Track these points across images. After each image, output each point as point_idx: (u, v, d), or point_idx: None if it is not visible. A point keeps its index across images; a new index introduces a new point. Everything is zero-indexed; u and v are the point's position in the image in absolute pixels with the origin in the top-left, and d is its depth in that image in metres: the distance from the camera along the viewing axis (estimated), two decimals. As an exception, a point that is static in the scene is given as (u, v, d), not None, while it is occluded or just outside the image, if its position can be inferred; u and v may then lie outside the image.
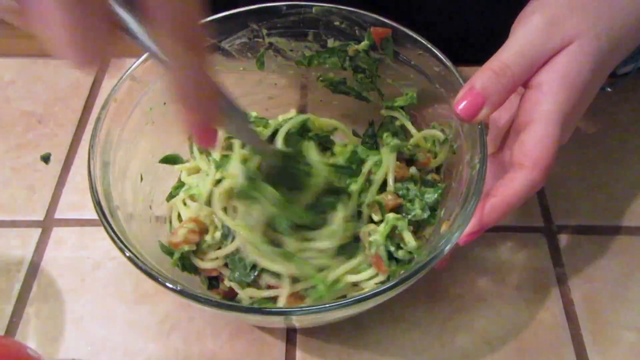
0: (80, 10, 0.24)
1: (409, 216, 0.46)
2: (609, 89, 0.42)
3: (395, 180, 0.47)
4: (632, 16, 0.40)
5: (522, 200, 0.39)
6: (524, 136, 0.39)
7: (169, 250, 0.45)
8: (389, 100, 0.52)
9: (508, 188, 0.39)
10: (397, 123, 0.52)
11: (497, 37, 0.42)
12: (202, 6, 0.28)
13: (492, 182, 0.41)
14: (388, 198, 0.46)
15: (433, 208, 0.47)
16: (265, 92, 0.55)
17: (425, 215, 0.46)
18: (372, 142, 0.54)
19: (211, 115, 0.31)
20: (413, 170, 0.49)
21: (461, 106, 0.40)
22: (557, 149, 0.39)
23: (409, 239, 0.44)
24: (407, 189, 0.47)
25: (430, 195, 0.47)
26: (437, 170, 0.51)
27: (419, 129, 0.51)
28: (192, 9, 0.27)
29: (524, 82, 0.40)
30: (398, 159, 0.48)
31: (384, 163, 0.47)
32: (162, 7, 0.26)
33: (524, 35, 0.39)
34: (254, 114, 0.54)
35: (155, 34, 0.27)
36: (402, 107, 0.52)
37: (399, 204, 0.46)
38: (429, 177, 0.50)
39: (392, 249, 0.45)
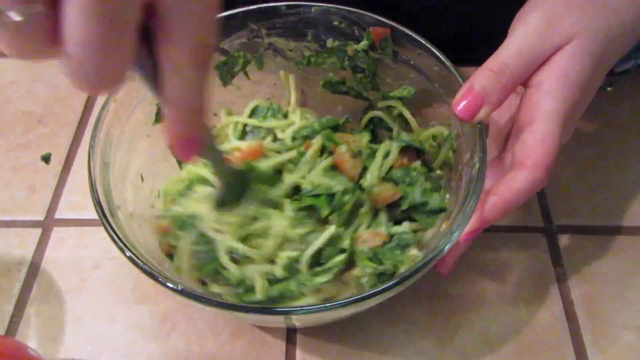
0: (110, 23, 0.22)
1: (407, 201, 0.46)
2: (608, 89, 0.42)
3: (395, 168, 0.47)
4: (629, 14, 0.40)
5: (522, 200, 0.39)
6: (525, 136, 0.39)
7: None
8: (385, 92, 0.52)
9: (509, 187, 0.39)
10: (395, 112, 0.52)
11: (496, 36, 0.42)
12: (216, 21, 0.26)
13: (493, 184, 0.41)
14: (385, 190, 0.45)
15: (436, 211, 0.46)
16: (265, 92, 0.55)
17: (422, 200, 0.46)
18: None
19: (198, 128, 0.31)
20: (417, 164, 0.48)
21: (460, 106, 0.40)
22: (558, 149, 0.39)
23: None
24: (410, 176, 0.47)
25: (435, 200, 0.46)
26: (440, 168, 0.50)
27: (423, 129, 0.51)
28: (208, 25, 0.26)
29: (523, 81, 0.40)
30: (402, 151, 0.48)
31: (391, 152, 0.47)
32: (180, 23, 0.24)
33: (522, 34, 0.39)
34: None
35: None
36: (399, 99, 0.51)
37: (396, 197, 0.46)
38: (436, 173, 0.49)
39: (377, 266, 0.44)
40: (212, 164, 0.40)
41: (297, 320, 0.43)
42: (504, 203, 0.39)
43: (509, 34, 0.41)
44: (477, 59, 0.42)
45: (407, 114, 0.51)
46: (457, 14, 0.66)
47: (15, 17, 0.18)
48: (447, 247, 0.38)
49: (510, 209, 0.40)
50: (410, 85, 0.50)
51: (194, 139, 0.31)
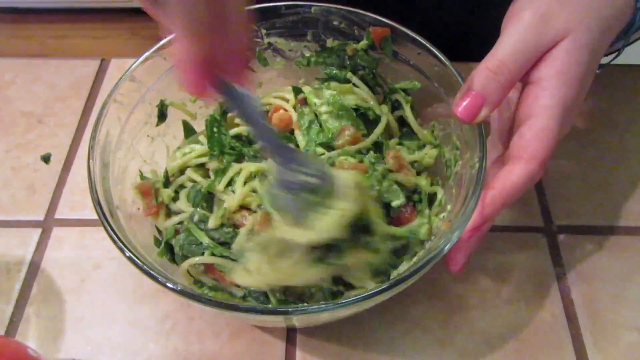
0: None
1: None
2: (597, 71, 0.43)
3: None
4: (618, 2, 0.40)
5: (520, 193, 0.40)
6: (523, 130, 0.40)
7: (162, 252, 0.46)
8: (391, 84, 0.51)
9: (506, 180, 0.39)
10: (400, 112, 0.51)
11: (495, 33, 0.42)
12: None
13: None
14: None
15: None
16: (265, 92, 0.55)
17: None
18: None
19: (208, 47, 0.31)
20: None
21: (461, 108, 0.40)
22: (556, 143, 0.39)
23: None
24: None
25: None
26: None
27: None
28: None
29: (521, 78, 0.40)
30: None
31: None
32: None
33: (518, 31, 0.39)
34: None
35: None
36: (404, 90, 0.51)
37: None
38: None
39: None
40: (243, 117, 0.36)
41: (297, 321, 0.43)
42: (502, 197, 0.39)
43: (502, 31, 0.41)
44: (477, 56, 0.42)
45: (408, 113, 0.50)
46: (455, 11, 0.66)
47: None
48: (447, 247, 0.38)
49: (508, 202, 0.40)
50: (411, 85, 0.50)
51: (204, 63, 0.31)
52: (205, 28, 0.30)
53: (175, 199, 0.48)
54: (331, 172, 0.39)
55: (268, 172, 0.39)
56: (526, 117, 0.40)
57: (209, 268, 0.45)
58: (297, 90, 0.51)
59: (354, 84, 0.51)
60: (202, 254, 0.44)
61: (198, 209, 0.46)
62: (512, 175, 0.39)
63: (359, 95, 0.50)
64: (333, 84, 0.51)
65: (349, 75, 0.51)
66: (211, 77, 0.32)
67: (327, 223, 0.37)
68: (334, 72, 0.52)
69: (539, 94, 0.39)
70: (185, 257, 0.45)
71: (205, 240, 0.44)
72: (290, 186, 0.37)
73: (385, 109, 0.50)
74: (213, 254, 0.44)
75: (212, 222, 0.45)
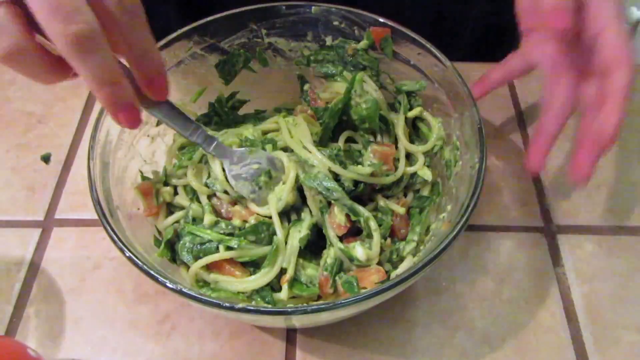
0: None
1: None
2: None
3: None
4: None
5: (627, 96, 0.42)
6: (605, 39, 0.41)
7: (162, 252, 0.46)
8: (398, 83, 0.51)
9: (614, 91, 0.41)
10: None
11: (494, 33, 0.42)
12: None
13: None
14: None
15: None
16: (264, 91, 0.55)
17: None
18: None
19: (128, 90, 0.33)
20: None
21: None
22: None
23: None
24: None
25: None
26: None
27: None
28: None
29: None
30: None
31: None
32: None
33: None
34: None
35: None
36: (409, 94, 0.51)
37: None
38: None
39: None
40: (175, 128, 0.43)
41: (297, 321, 0.43)
42: (620, 105, 0.41)
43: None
44: (471, 56, 0.42)
45: (400, 125, 0.50)
46: (455, 10, 0.66)
47: None
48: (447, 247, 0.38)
49: (623, 107, 0.42)
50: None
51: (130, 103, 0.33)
52: (117, 74, 0.33)
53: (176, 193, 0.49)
54: (269, 156, 0.47)
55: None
56: (596, 32, 0.41)
57: (214, 264, 0.45)
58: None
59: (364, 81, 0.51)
60: (216, 249, 0.45)
61: (192, 205, 0.47)
62: (615, 85, 0.41)
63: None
64: (342, 77, 0.52)
65: (360, 74, 0.51)
66: (137, 111, 0.35)
67: (276, 194, 0.46)
68: (331, 70, 0.52)
69: (598, 9, 0.41)
70: (196, 258, 0.45)
71: (214, 236, 0.45)
72: (240, 176, 0.47)
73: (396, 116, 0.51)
74: (229, 248, 0.44)
75: (207, 221, 0.45)
